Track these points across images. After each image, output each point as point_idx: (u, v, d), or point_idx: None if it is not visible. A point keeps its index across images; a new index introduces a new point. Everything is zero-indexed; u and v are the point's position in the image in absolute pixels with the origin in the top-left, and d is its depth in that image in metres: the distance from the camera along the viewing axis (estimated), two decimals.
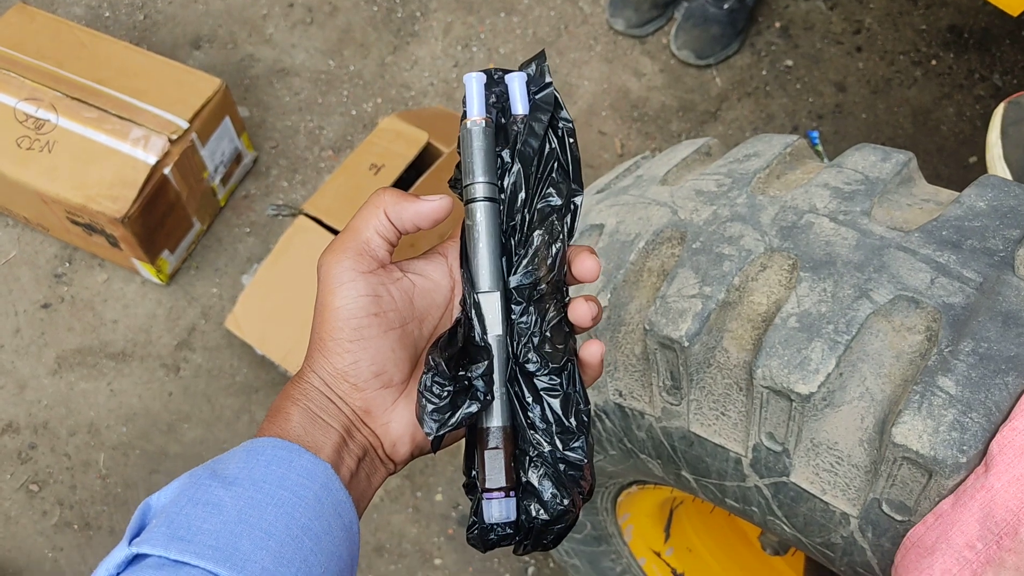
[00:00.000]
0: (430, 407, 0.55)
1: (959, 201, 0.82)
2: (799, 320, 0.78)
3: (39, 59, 1.87)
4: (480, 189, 0.57)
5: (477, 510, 0.57)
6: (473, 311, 0.57)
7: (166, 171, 1.80)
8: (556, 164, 0.58)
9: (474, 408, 0.55)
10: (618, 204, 0.99)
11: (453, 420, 0.55)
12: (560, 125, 0.58)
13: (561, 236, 0.57)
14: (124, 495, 1.83)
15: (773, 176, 0.94)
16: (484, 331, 0.57)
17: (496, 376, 0.57)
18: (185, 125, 1.81)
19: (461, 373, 0.56)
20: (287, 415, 0.55)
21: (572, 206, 0.58)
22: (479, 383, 0.56)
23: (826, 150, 2.14)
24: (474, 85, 0.58)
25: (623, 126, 2.18)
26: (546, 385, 0.57)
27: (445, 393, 0.55)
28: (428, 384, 0.55)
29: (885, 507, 0.75)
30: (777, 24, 2.28)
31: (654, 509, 1.28)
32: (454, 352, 0.56)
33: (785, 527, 0.85)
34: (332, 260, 0.56)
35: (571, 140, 0.59)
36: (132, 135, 1.78)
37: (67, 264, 2.02)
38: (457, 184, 0.59)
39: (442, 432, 0.55)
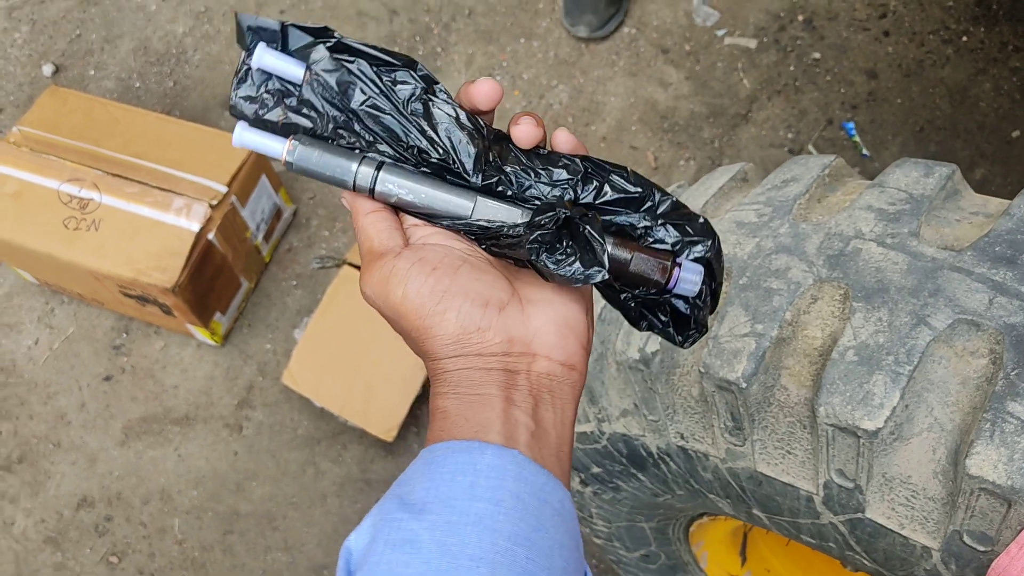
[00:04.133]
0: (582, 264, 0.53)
1: (1009, 213, 0.80)
2: (857, 353, 0.77)
3: (76, 140, 1.92)
4: (363, 172, 0.55)
5: (673, 314, 0.56)
6: (493, 227, 0.55)
7: (210, 236, 1.83)
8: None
9: (596, 275, 0.52)
10: None
11: (609, 252, 0.53)
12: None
13: (440, 116, 0.55)
14: (202, 558, 1.86)
15: (814, 200, 0.92)
16: (518, 223, 0.54)
17: (588, 225, 0.54)
18: (224, 189, 1.84)
19: (566, 243, 0.53)
20: (444, 412, 0.53)
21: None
22: (591, 238, 0.53)
23: (863, 140, 2.11)
24: (249, 139, 0.56)
25: (654, 138, 2.17)
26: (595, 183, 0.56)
27: (570, 250, 0.53)
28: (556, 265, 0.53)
29: (967, 538, 0.73)
30: (800, 17, 2.25)
31: (727, 535, 1.26)
32: (548, 235, 0.53)
33: (865, 562, 0.84)
34: (368, 281, 0.55)
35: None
36: (174, 205, 1.81)
37: (124, 335, 2.06)
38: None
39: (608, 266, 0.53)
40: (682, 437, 0.92)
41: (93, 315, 2.08)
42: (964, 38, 2.18)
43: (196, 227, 1.80)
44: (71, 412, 2.00)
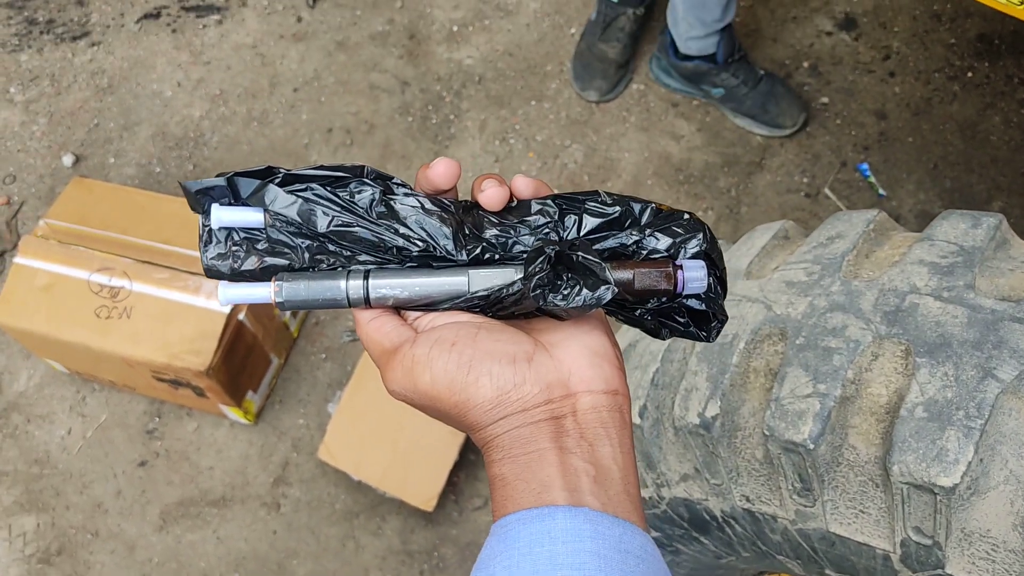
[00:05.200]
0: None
1: None
2: (926, 409, 0.77)
3: (104, 229, 1.94)
4: (353, 285, 0.56)
5: (690, 313, 0.57)
6: (493, 293, 0.55)
7: (240, 317, 1.84)
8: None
9: (607, 293, 0.53)
10: None
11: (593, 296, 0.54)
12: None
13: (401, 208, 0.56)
14: None
15: (862, 256, 0.93)
16: (515, 280, 0.54)
17: (586, 255, 0.55)
18: None
19: (566, 277, 0.54)
20: (503, 480, 0.52)
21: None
22: (587, 261, 0.54)
23: (879, 180, 2.13)
24: (234, 294, 0.57)
25: (671, 191, 2.19)
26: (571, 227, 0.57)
27: (572, 282, 0.54)
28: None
29: None
30: (805, 64, 2.29)
31: None
32: (545, 276, 0.54)
33: None
34: (392, 379, 0.56)
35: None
36: (204, 288, 1.82)
37: (157, 419, 2.06)
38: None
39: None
40: (748, 500, 0.92)
41: (125, 401, 2.08)
42: (969, 74, 2.21)
43: (226, 309, 1.81)
44: (107, 500, 1.99)
